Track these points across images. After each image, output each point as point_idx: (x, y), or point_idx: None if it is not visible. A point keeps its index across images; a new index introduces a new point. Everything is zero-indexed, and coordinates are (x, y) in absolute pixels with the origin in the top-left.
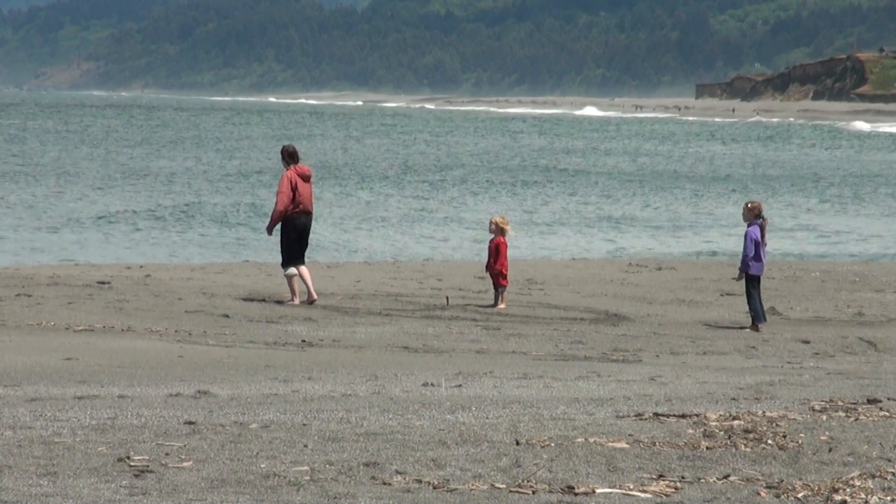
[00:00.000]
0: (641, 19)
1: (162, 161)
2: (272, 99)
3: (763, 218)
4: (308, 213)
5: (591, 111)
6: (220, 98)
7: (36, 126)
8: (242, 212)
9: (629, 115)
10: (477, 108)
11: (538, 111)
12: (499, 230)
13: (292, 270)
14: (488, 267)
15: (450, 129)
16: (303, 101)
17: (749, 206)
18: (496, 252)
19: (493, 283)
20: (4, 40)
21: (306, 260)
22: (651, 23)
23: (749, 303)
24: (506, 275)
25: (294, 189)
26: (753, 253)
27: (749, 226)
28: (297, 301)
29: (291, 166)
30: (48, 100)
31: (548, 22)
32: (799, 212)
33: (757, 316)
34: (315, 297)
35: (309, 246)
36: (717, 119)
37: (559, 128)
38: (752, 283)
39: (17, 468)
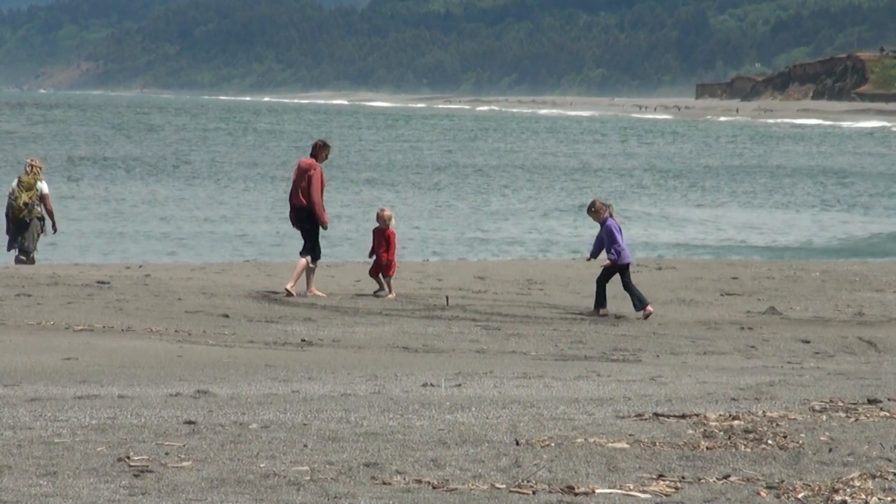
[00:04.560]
0: (641, 19)
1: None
2: (267, 98)
3: (609, 205)
4: (295, 207)
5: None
6: (220, 97)
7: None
8: None
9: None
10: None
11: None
12: (384, 221)
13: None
14: (375, 254)
15: (595, 133)
16: (298, 100)
17: (595, 208)
18: (387, 243)
19: (382, 273)
20: (4, 40)
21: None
22: (651, 22)
23: (599, 288)
24: (394, 265)
25: (292, 182)
26: (622, 243)
27: (605, 222)
28: (306, 291)
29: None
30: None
31: (547, 21)
32: None
33: (601, 301)
34: (287, 287)
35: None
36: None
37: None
38: (613, 271)
39: (17, 468)
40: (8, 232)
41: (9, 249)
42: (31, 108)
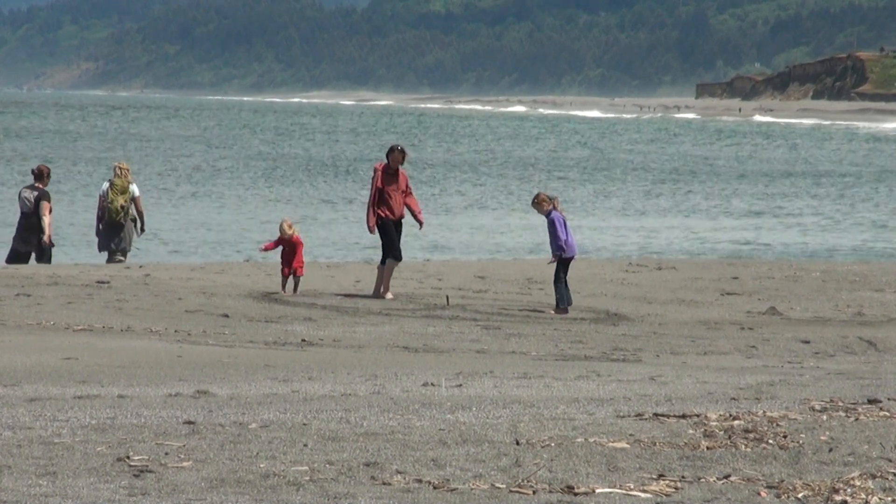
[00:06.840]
0: (641, 19)
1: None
2: (276, 99)
3: (555, 198)
4: None
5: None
6: (221, 97)
7: None
8: None
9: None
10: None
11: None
12: (284, 232)
13: None
14: (289, 262)
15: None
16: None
17: (538, 200)
18: (293, 251)
19: (294, 274)
20: (4, 40)
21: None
22: (651, 22)
23: (556, 287)
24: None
25: None
26: (565, 236)
27: (549, 214)
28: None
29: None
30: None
31: (548, 22)
32: None
33: (562, 299)
34: (385, 296)
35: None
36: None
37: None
38: (563, 266)
39: (16, 468)
40: (98, 234)
41: (100, 251)
42: (90, 109)
